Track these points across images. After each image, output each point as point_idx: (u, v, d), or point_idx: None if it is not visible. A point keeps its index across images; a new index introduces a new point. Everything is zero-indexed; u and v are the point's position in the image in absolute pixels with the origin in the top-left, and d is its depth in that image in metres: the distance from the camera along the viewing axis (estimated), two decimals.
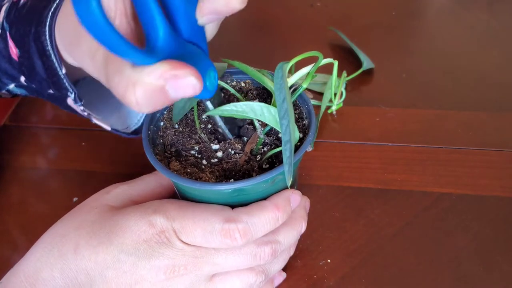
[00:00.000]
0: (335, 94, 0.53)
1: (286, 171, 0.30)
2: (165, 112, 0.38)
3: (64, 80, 0.37)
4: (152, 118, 0.36)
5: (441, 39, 0.63)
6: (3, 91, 0.45)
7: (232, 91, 0.37)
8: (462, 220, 0.42)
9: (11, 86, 0.44)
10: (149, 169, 0.34)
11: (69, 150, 0.53)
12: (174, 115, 0.36)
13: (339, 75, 0.55)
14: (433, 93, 0.55)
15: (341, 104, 0.54)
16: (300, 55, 0.32)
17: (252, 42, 0.66)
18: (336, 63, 0.34)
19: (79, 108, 0.39)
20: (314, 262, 0.40)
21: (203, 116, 0.37)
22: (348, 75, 0.56)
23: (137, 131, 0.45)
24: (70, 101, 0.39)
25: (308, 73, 0.34)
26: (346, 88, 0.56)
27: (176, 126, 0.37)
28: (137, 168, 0.49)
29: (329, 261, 0.40)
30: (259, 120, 0.35)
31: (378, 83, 0.57)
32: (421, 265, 0.39)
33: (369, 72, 0.58)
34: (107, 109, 0.43)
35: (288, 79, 0.34)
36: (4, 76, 0.43)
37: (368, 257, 0.40)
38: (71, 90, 0.38)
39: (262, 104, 0.32)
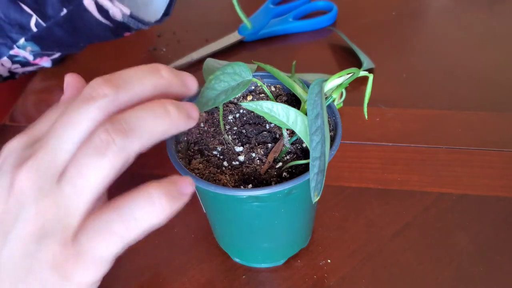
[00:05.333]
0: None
1: (313, 187, 0.30)
2: None
3: None
4: None
5: (441, 39, 0.63)
6: (5, 57, 0.46)
7: (268, 93, 0.37)
8: (462, 220, 0.42)
9: (21, 41, 0.44)
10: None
11: None
12: (201, 103, 0.34)
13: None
14: (433, 93, 0.55)
15: (341, 104, 0.54)
16: (338, 73, 0.32)
17: (252, 41, 0.66)
18: (371, 76, 0.34)
19: None
20: (314, 262, 0.40)
21: (229, 118, 0.37)
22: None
23: (158, 20, 0.47)
24: (87, 1, 0.40)
25: (340, 84, 0.33)
26: (346, 88, 0.56)
27: (202, 125, 0.37)
28: (138, 168, 0.49)
29: (329, 261, 0.40)
30: (287, 129, 0.34)
31: (378, 83, 0.57)
32: (421, 265, 0.40)
33: (369, 72, 0.58)
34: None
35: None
36: (14, 30, 0.44)
37: (368, 257, 0.40)
38: None
39: (298, 111, 0.32)
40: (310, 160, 0.30)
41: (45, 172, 0.26)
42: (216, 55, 0.63)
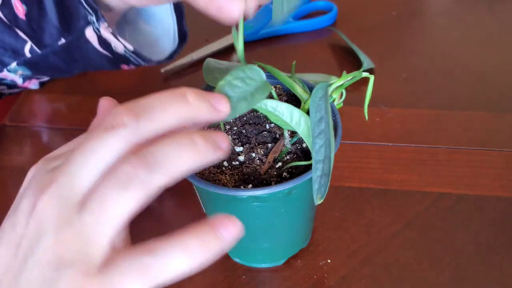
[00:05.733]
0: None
1: (315, 189, 0.30)
2: None
3: (84, 3, 0.37)
4: None
5: (441, 39, 0.63)
6: (3, 73, 0.45)
7: (275, 96, 0.36)
8: (462, 220, 0.42)
9: (13, 65, 0.44)
10: None
11: None
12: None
13: (339, 75, 0.55)
14: (433, 93, 0.55)
15: (341, 104, 0.54)
16: (342, 77, 0.32)
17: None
18: (372, 78, 0.33)
19: (102, 28, 0.38)
20: (314, 262, 0.40)
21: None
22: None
23: (161, 61, 0.45)
24: (89, 32, 0.39)
25: (341, 85, 0.33)
26: (346, 88, 0.56)
27: None
28: None
29: (329, 261, 0.40)
30: (288, 130, 0.34)
31: (378, 83, 0.57)
32: (421, 265, 0.39)
33: (369, 72, 0.58)
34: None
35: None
36: (7, 54, 0.43)
37: (368, 257, 0.40)
38: (91, 12, 0.38)
39: (302, 112, 0.32)
40: (312, 163, 0.30)
41: (65, 199, 0.25)
42: (216, 55, 0.63)
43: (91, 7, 0.37)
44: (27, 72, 0.45)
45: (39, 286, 0.25)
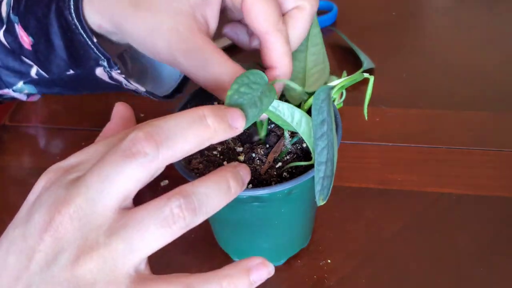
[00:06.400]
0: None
1: (318, 191, 0.30)
2: None
3: (96, 49, 0.37)
4: None
5: (442, 39, 0.63)
6: (4, 90, 0.45)
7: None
8: (462, 220, 0.42)
9: (19, 85, 0.44)
10: None
11: (69, 150, 0.53)
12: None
13: (339, 75, 0.55)
14: (433, 93, 0.55)
15: (341, 104, 0.54)
16: (344, 80, 0.33)
17: None
18: (372, 78, 0.33)
19: (114, 72, 0.38)
20: (314, 262, 0.40)
21: None
22: (348, 75, 0.55)
23: (169, 96, 0.44)
24: (99, 71, 0.39)
25: (341, 86, 0.33)
26: (346, 88, 0.56)
27: None
28: None
29: (329, 261, 0.40)
30: (288, 130, 0.34)
31: (378, 83, 0.57)
32: (421, 266, 0.39)
33: (369, 72, 0.58)
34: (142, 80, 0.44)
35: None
36: (11, 75, 0.43)
37: (368, 257, 0.40)
38: (103, 58, 0.37)
39: (303, 112, 0.32)
40: (315, 165, 0.30)
41: (87, 222, 0.26)
42: None
43: (103, 55, 0.37)
44: (34, 91, 0.45)
45: None
